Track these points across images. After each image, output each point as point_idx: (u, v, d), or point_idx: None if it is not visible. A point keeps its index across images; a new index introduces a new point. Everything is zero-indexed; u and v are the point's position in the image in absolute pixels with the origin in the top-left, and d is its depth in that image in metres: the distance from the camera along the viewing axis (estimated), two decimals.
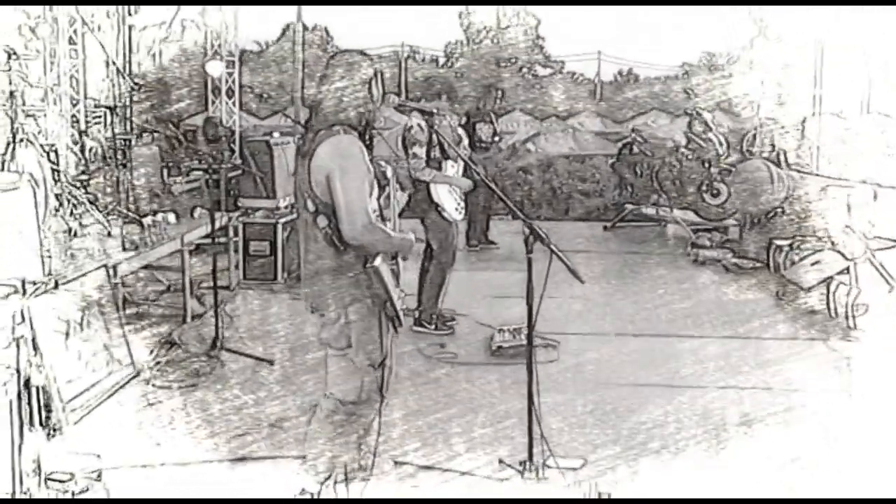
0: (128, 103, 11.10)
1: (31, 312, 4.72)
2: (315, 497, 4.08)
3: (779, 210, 9.49)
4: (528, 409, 4.49)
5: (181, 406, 5.36)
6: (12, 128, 6.90)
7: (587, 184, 13.87)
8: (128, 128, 10.69)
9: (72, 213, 7.41)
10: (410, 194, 7.02)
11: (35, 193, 4.73)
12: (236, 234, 8.45)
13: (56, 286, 5.26)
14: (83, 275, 5.78)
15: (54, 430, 4.94)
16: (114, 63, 10.87)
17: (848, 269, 7.26)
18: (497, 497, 4.26)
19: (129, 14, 11.40)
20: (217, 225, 7.02)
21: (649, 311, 7.48)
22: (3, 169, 6.70)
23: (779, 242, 8.64)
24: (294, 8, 13.91)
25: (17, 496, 3.81)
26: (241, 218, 8.49)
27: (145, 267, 7.47)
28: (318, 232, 3.93)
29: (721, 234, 10.46)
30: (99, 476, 4.34)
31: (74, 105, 10.08)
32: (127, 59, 11.44)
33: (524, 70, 16.29)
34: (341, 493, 4.12)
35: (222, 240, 8.09)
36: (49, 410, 4.91)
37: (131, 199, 8.79)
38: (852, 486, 4.29)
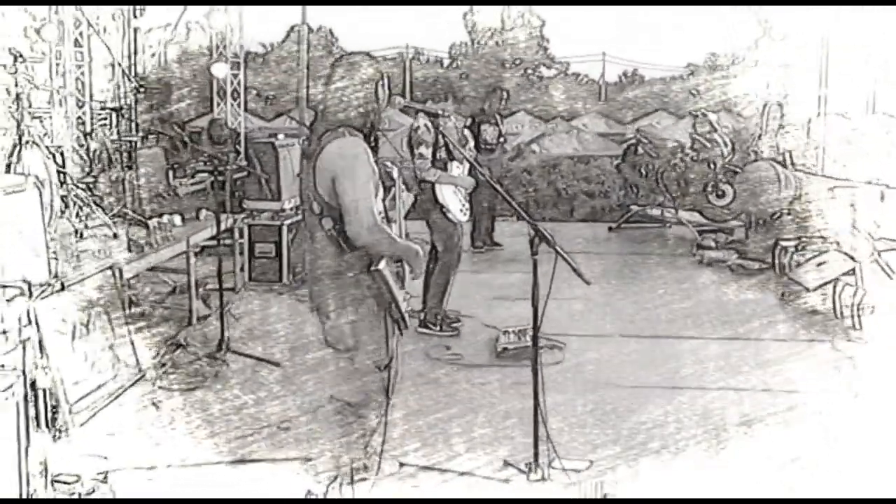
0: (133, 105, 11.12)
1: (37, 314, 4.74)
2: (321, 498, 4.08)
3: (784, 211, 9.48)
4: (533, 410, 4.49)
5: (181, 406, 5.36)
6: (18, 130, 6.92)
7: (592, 185, 13.87)
8: (133, 130, 10.71)
9: (77, 215, 7.43)
10: (416, 195, 7.02)
11: (41, 195, 4.74)
12: (241, 236, 8.46)
13: (62, 288, 5.27)
14: (89, 276, 5.78)
15: (60, 431, 4.95)
16: (119, 65, 10.89)
17: (853, 270, 7.25)
18: (498, 497, 4.26)
19: (135, 16, 11.43)
20: (222, 227, 7.03)
21: (649, 312, 7.47)
22: (9, 171, 6.72)
23: (784, 243, 8.64)
24: (298, 9, 13.94)
25: (24, 497, 3.82)
26: (246, 219, 8.49)
27: (151, 269, 7.48)
28: (324, 233, 3.93)
29: (726, 235, 10.45)
30: (105, 477, 4.35)
31: (80, 107, 10.10)
32: (132, 61, 11.46)
33: (528, 71, 16.30)
34: (347, 493, 4.13)
35: (228, 241, 8.11)
36: (55, 412, 4.92)
37: (136, 200, 8.81)
38: (852, 486, 4.28)
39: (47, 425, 4.65)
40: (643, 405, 5.33)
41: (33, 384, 4.04)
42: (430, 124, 6.90)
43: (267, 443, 4.91)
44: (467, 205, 7.24)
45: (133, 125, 10.85)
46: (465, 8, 15.85)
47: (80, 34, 10.14)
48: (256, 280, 8.44)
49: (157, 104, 12.43)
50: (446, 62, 16.20)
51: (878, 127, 9.07)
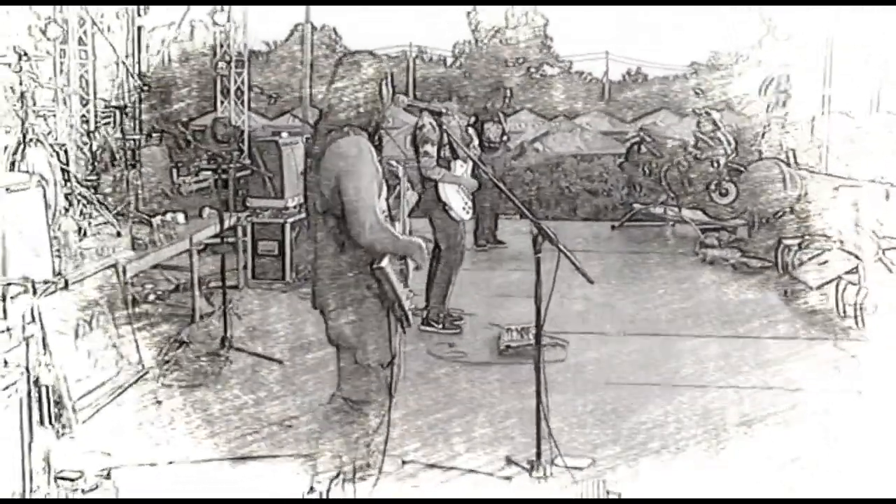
0: (137, 103, 11.14)
1: (40, 312, 4.75)
2: (324, 496, 4.09)
3: (787, 210, 9.47)
4: (536, 408, 4.49)
5: (181, 406, 5.36)
6: (22, 128, 6.93)
7: (595, 183, 13.87)
8: (137, 128, 10.73)
9: (81, 213, 7.44)
10: (420, 194, 7.03)
11: (45, 193, 4.75)
12: (245, 234, 8.47)
13: (66, 286, 5.28)
14: (92, 274, 5.80)
15: (63, 428, 4.96)
16: (123, 63, 10.91)
17: (856, 268, 7.25)
18: (499, 497, 4.27)
19: (139, 14, 11.44)
20: (226, 225, 7.04)
21: (650, 311, 7.46)
22: (13, 169, 6.73)
23: (787, 242, 8.63)
24: (302, 8, 13.94)
25: (28, 494, 3.84)
26: (249, 218, 8.51)
27: (154, 266, 7.49)
28: (327, 232, 3.94)
29: (729, 234, 10.45)
30: (108, 474, 4.37)
31: (84, 105, 10.12)
32: (136, 59, 11.48)
33: (531, 70, 16.29)
34: (349, 491, 4.13)
35: (231, 239, 8.12)
36: (58, 409, 4.93)
37: (140, 199, 8.82)
38: (852, 486, 4.28)
39: (50, 422, 4.66)
40: (643, 405, 5.33)
41: (37, 381, 4.05)
42: (434, 123, 6.91)
43: (267, 442, 4.91)
44: (470, 203, 7.24)
45: (137, 123, 10.87)
46: (469, 7, 15.85)
47: (85, 32, 10.16)
48: (259, 278, 8.45)
49: (161, 102, 12.45)
50: (449, 61, 16.20)
51: (881, 126, 9.05)
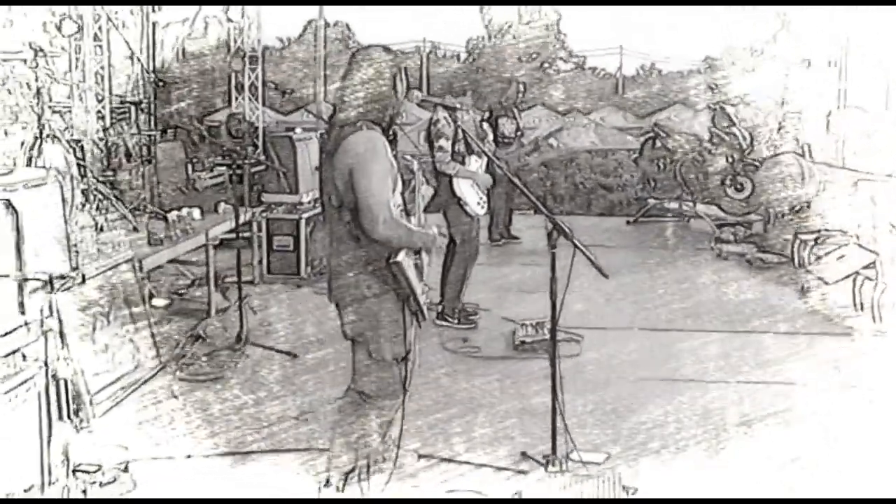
0: (152, 99, 11.18)
1: (58, 306, 4.77)
2: (340, 490, 4.10)
3: (805, 205, 9.43)
4: (551, 402, 4.49)
5: (181, 406, 5.37)
6: (39, 124, 6.96)
7: (609, 178, 13.85)
8: (152, 124, 10.77)
9: (98, 209, 7.48)
10: (435, 189, 7.03)
11: (62, 189, 4.77)
12: (260, 229, 8.49)
13: (83, 280, 5.30)
14: (109, 269, 5.83)
15: (81, 422, 4.99)
16: (138, 59, 10.95)
17: (873, 263, 7.21)
18: (499, 497, 4.27)
19: (153, 10, 11.48)
20: (241, 220, 7.06)
21: (649, 311, 7.42)
22: (30, 165, 6.77)
23: (803, 237, 8.60)
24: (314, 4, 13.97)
25: (46, 487, 3.86)
26: (264, 213, 8.53)
27: (170, 261, 7.52)
28: (342, 226, 3.94)
29: (745, 229, 10.41)
30: (126, 467, 4.39)
31: (100, 101, 10.16)
32: (151, 55, 11.52)
33: (545, 65, 16.27)
34: (364, 485, 4.15)
35: (246, 234, 8.14)
36: (76, 403, 4.96)
37: (156, 194, 8.86)
38: (852, 486, 4.27)
39: (69, 416, 4.69)
40: (643, 405, 5.32)
41: (54, 375, 4.07)
42: (449, 118, 6.91)
43: (267, 442, 4.91)
44: (485, 198, 7.24)
45: (152, 119, 10.91)
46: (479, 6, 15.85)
47: (100, 29, 10.20)
48: (274, 273, 8.47)
49: (176, 98, 12.49)
50: (463, 56, 16.20)
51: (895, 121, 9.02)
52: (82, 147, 8.30)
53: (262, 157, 9.02)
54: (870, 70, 9.70)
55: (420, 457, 4.67)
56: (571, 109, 15.80)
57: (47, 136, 6.96)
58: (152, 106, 11.15)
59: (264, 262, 8.51)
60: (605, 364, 6.09)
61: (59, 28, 9.15)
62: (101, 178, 8.12)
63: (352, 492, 4.11)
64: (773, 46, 12.43)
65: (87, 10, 9.95)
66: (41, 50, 7.28)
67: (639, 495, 4.21)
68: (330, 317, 6.68)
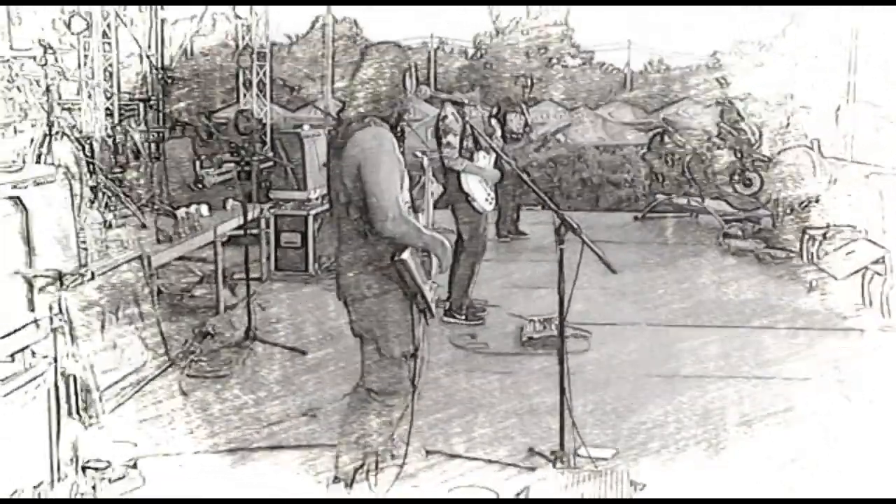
0: (160, 96, 11.20)
1: (67, 303, 4.79)
2: (349, 486, 4.11)
3: (814, 200, 9.40)
4: (559, 398, 4.49)
5: (181, 406, 5.38)
6: (48, 121, 6.98)
7: (617, 174, 13.82)
8: (160, 121, 10.79)
9: (107, 205, 7.50)
10: (444, 185, 7.03)
11: (71, 186, 4.79)
12: (268, 226, 8.50)
13: (92, 277, 5.32)
14: (118, 266, 5.84)
15: (91, 418, 5.01)
16: (147, 56, 10.96)
17: (882, 258, 7.19)
18: (499, 497, 4.27)
19: (161, 7, 11.49)
20: (249, 216, 7.07)
21: (649, 311, 7.39)
22: (39, 162, 6.79)
23: (812, 232, 8.57)
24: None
25: (55, 484, 3.88)
26: (272, 209, 8.54)
27: (179, 258, 7.54)
28: (350, 223, 3.95)
29: (753, 224, 10.39)
30: (135, 464, 4.41)
31: (108, 98, 10.18)
32: (160, 52, 11.54)
33: (553, 60, 16.24)
34: (372, 481, 4.15)
35: (254, 231, 8.15)
36: (85, 400, 4.98)
37: (164, 191, 8.87)
38: (852, 486, 4.26)
39: (78, 412, 4.70)
40: (643, 405, 5.31)
41: (64, 372, 4.09)
42: (457, 113, 6.91)
43: (278, 437, 4.92)
44: (493, 194, 7.23)
45: (161, 116, 10.93)
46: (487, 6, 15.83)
47: (108, 26, 10.22)
48: (282, 269, 8.49)
49: (184, 95, 12.50)
50: (471, 52, 16.17)
51: None
52: (91, 144, 8.32)
53: (270, 154, 9.02)
54: (878, 66, 9.66)
55: (427, 453, 4.67)
56: (579, 105, 15.77)
57: (56, 132, 6.98)
58: (161, 103, 11.17)
59: (272, 258, 8.53)
60: (605, 364, 6.08)
61: (68, 25, 9.17)
62: (110, 175, 8.14)
63: (360, 488, 4.11)
64: (781, 41, 12.38)
65: (95, 8, 9.97)
66: (50, 47, 7.30)
67: (638, 495, 4.21)
68: (330, 316, 6.72)
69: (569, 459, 4.48)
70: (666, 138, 11.70)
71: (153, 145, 9.75)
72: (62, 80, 7.32)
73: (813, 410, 5.16)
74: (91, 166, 7.49)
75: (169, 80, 11.41)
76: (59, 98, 7.25)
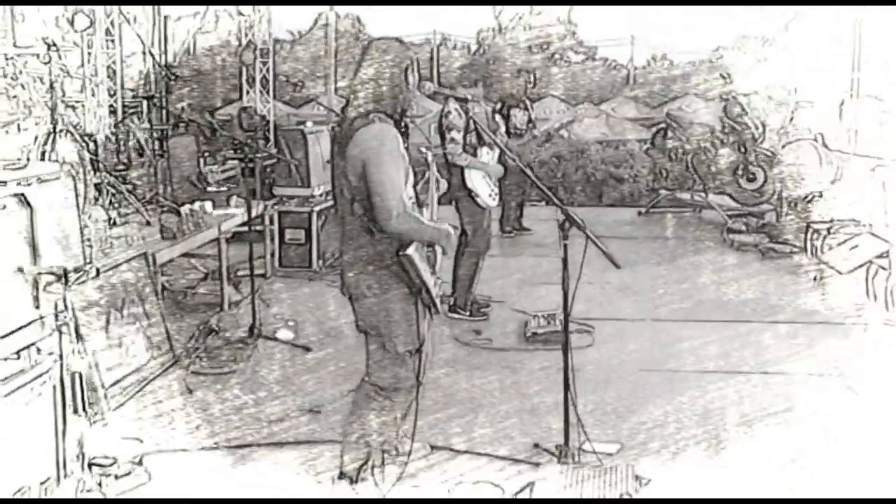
0: (164, 93, 11.21)
1: (72, 300, 4.80)
2: (354, 482, 4.11)
3: (818, 194, 9.39)
4: (564, 394, 4.49)
5: (181, 405, 5.38)
6: (52, 118, 6.99)
7: (621, 169, 13.82)
8: (164, 118, 10.80)
9: (111, 203, 7.51)
10: (449, 181, 7.03)
11: (75, 183, 4.80)
12: (272, 222, 8.51)
13: (97, 274, 5.33)
14: (122, 263, 5.85)
15: (96, 415, 5.02)
16: (150, 54, 10.97)
17: (887, 252, 7.18)
18: (500, 497, 4.27)
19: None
20: (253, 213, 7.07)
21: (649, 311, 7.39)
22: (43, 159, 6.80)
23: (816, 226, 8.56)
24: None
25: (61, 481, 3.89)
26: (276, 206, 8.55)
27: (183, 255, 7.54)
28: (355, 219, 3.95)
29: (757, 219, 10.38)
30: (140, 460, 4.41)
31: (112, 96, 10.19)
32: (163, 49, 11.55)
33: (556, 56, 16.23)
34: (378, 477, 4.16)
35: (258, 228, 8.15)
36: (91, 397, 4.99)
37: (169, 188, 8.89)
38: (852, 486, 4.25)
39: (83, 409, 4.71)
40: (643, 405, 5.31)
41: (69, 369, 4.10)
42: (460, 109, 6.90)
43: (278, 437, 4.92)
44: (497, 190, 7.23)
45: (164, 113, 10.94)
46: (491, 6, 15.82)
47: (112, 23, 10.22)
48: (286, 266, 8.49)
49: (188, 92, 12.52)
50: (473, 48, 16.17)
51: None
52: (95, 141, 8.33)
53: (274, 151, 9.03)
54: (879, 65, 9.65)
55: (433, 448, 4.67)
56: (582, 100, 15.76)
57: (60, 130, 6.99)
58: (164, 100, 11.18)
59: (276, 255, 8.53)
60: (605, 363, 6.07)
61: (71, 23, 9.18)
62: (114, 173, 8.15)
63: (365, 485, 4.12)
64: (785, 36, 12.36)
65: (98, 6, 9.97)
66: (54, 44, 7.31)
67: (643, 490, 4.21)
68: (331, 316, 6.72)
69: (574, 455, 4.48)
70: (669, 134, 11.69)
71: (157, 143, 9.75)
72: (66, 77, 7.32)
73: (813, 410, 5.15)
74: (95, 164, 7.50)
75: (172, 78, 11.42)
76: (63, 96, 7.26)
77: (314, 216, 8.48)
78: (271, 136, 11.23)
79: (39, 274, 3.69)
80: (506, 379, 5.80)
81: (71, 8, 9.13)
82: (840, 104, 10.48)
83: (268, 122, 11.77)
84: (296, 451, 4.71)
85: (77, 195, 4.70)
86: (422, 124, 6.73)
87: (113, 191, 7.70)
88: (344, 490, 4.11)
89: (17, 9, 8.10)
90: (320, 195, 8.65)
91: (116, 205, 7.66)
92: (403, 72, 4.10)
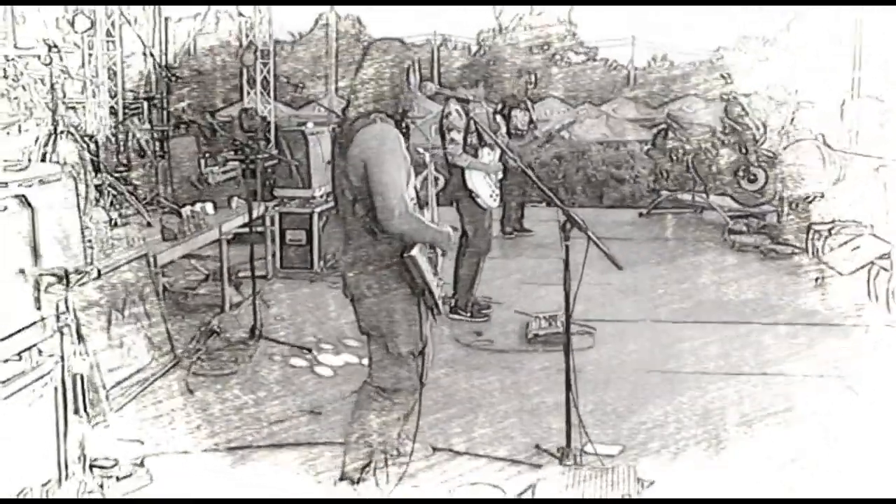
0: (164, 94, 11.21)
1: (73, 301, 4.79)
2: (355, 483, 4.11)
3: (819, 195, 9.38)
4: (565, 395, 4.49)
5: (182, 406, 5.38)
6: (53, 119, 6.99)
7: (622, 170, 13.80)
8: (165, 119, 10.80)
9: (112, 204, 7.51)
10: (445, 180, 7.02)
11: (76, 184, 4.79)
12: (273, 224, 8.50)
13: (98, 276, 5.33)
14: (124, 264, 5.85)
15: (97, 417, 5.02)
16: (151, 55, 10.97)
17: (888, 254, 7.17)
18: (500, 497, 4.27)
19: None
20: (254, 214, 7.07)
21: (649, 311, 7.39)
22: (44, 160, 6.80)
23: (817, 227, 8.56)
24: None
25: (63, 482, 3.88)
26: (277, 207, 8.54)
27: (184, 256, 7.54)
28: (356, 220, 3.94)
29: (758, 220, 10.37)
30: (142, 462, 4.41)
31: (113, 97, 10.18)
32: (164, 50, 11.54)
33: (556, 57, 16.22)
34: (380, 478, 4.16)
35: (259, 229, 8.15)
36: (92, 398, 4.98)
37: (169, 189, 8.88)
38: (852, 486, 4.25)
39: (85, 411, 4.71)
40: (643, 405, 5.30)
41: (70, 370, 4.09)
42: (461, 110, 6.90)
43: (278, 437, 4.91)
44: (497, 190, 7.22)
45: (165, 114, 10.94)
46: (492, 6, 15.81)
47: (112, 24, 10.22)
48: (287, 267, 8.49)
49: (188, 93, 12.52)
50: (474, 48, 16.16)
51: None
52: (96, 142, 8.33)
53: (275, 152, 9.02)
54: (879, 66, 9.65)
55: (435, 450, 4.67)
56: (583, 101, 15.75)
57: (61, 131, 6.99)
58: (165, 101, 11.18)
59: (277, 256, 8.53)
60: (605, 364, 6.07)
61: (71, 24, 9.18)
62: (114, 174, 8.15)
63: (367, 485, 4.12)
64: (785, 36, 12.35)
65: (99, 7, 9.97)
66: (55, 46, 7.30)
67: (646, 492, 4.21)
68: (331, 317, 6.72)
69: (575, 456, 4.48)
70: (670, 134, 11.69)
71: (157, 143, 9.75)
72: (67, 78, 7.32)
73: (813, 410, 5.15)
74: (96, 165, 7.50)
75: (173, 79, 11.42)
76: (64, 97, 7.25)
77: (315, 217, 8.47)
78: (272, 137, 11.22)
79: (41, 275, 3.68)
80: (506, 379, 5.80)
81: (71, 9, 9.13)
82: (841, 104, 10.47)
83: (268, 122, 11.77)
84: (296, 452, 4.71)
85: (78, 196, 4.70)
86: (423, 125, 6.72)
87: (114, 192, 7.70)
88: (345, 491, 4.10)
89: (18, 10, 8.10)
90: (321, 196, 8.64)
91: (117, 206, 7.66)
92: (405, 72, 4.10)
